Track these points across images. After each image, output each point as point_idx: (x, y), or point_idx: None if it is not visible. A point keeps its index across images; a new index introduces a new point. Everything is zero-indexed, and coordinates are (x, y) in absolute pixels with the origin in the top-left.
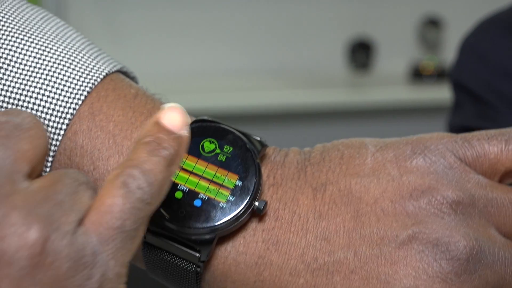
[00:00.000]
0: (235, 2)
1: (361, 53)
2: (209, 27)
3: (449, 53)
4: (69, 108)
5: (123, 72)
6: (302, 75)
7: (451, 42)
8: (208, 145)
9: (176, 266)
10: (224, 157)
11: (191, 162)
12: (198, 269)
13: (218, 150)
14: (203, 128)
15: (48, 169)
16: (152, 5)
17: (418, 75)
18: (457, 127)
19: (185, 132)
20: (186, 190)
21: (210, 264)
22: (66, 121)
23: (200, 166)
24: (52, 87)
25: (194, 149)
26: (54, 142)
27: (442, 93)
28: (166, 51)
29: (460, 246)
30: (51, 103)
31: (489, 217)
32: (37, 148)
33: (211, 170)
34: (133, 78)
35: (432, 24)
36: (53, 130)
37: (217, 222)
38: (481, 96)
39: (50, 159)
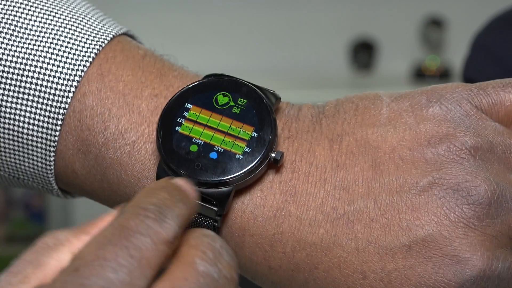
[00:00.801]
0: (237, 4)
1: (363, 53)
2: (211, 29)
3: (451, 54)
4: (77, 70)
5: (130, 36)
6: (304, 76)
7: (453, 42)
8: (222, 98)
9: (193, 222)
10: (239, 109)
11: (205, 116)
12: (216, 224)
13: (232, 103)
14: (216, 82)
15: (57, 133)
16: (148, 6)
17: (420, 75)
18: None
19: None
20: (201, 143)
21: (228, 218)
22: (75, 83)
23: (214, 119)
24: (59, 50)
25: (208, 103)
26: (63, 105)
27: None
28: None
29: (481, 190)
30: (58, 66)
31: (507, 163)
32: None
33: (226, 123)
34: (139, 43)
35: (435, 24)
36: (62, 93)
37: (234, 174)
38: None
39: (59, 122)
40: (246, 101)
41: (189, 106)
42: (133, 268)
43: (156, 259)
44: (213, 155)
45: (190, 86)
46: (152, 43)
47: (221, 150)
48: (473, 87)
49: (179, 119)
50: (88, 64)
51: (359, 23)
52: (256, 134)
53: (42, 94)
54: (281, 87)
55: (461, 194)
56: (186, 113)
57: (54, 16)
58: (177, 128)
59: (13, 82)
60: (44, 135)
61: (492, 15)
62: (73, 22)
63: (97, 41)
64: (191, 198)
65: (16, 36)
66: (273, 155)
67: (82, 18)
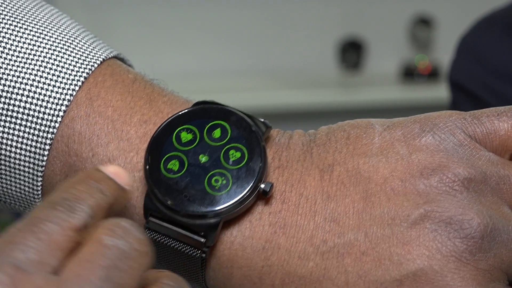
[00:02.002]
0: (225, 3)
1: (352, 52)
2: (199, 28)
3: (440, 53)
4: (66, 94)
5: (120, 59)
6: (293, 75)
7: (442, 41)
8: (211, 127)
9: (180, 253)
10: (228, 139)
11: (194, 145)
12: (204, 255)
13: (220, 133)
14: (206, 110)
15: (45, 158)
16: (142, 5)
17: (409, 74)
18: None
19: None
20: (190, 173)
21: (216, 249)
22: (63, 108)
23: (204, 148)
24: (48, 73)
25: (198, 131)
26: (51, 130)
27: (434, 93)
28: (155, 52)
29: (474, 224)
30: (47, 89)
31: (501, 194)
32: (134, 280)
33: (215, 152)
34: (129, 66)
35: (423, 23)
36: (50, 117)
37: (223, 205)
38: (479, 96)
39: (47, 147)
40: (235, 130)
41: (178, 134)
42: (42, 248)
43: (65, 243)
44: (201, 185)
45: (179, 114)
46: (145, 42)
47: (210, 180)
48: (467, 115)
49: (167, 148)
50: (77, 88)
51: (347, 23)
52: (245, 165)
53: (30, 118)
54: (269, 86)
55: (453, 227)
56: (174, 142)
57: (43, 38)
58: (165, 157)
59: (1, 105)
60: (32, 160)
61: (479, 15)
62: (63, 44)
63: (86, 65)
64: (112, 188)
65: (5, 58)
66: (262, 186)
67: (72, 40)
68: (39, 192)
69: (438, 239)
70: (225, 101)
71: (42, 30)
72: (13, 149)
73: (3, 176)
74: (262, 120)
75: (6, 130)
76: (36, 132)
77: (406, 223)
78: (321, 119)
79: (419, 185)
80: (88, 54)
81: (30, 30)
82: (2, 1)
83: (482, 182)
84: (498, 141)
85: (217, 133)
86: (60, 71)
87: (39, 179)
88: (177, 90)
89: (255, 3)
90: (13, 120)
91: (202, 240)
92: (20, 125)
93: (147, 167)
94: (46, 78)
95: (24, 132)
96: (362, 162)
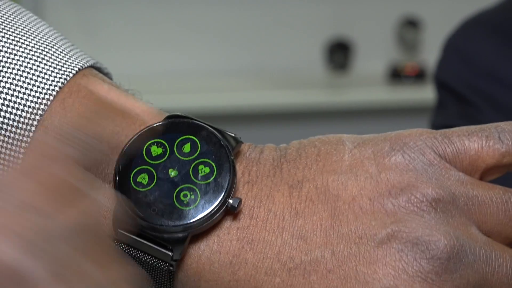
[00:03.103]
0: (213, 2)
1: (339, 53)
2: (188, 27)
3: (427, 54)
4: (41, 104)
5: (96, 68)
6: (280, 76)
7: (429, 43)
8: (181, 142)
9: (148, 265)
10: (197, 154)
11: (163, 159)
12: (171, 268)
13: (189, 148)
14: (176, 124)
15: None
16: (130, 3)
17: (396, 75)
18: (440, 126)
19: None
20: (159, 187)
21: (184, 263)
22: (38, 117)
23: (173, 163)
24: (24, 82)
25: (168, 145)
26: (25, 139)
27: (421, 94)
28: (143, 51)
29: (441, 245)
30: (22, 98)
31: (469, 215)
32: None
33: (184, 167)
34: (107, 74)
35: (411, 25)
36: (24, 127)
37: (190, 220)
38: (465, 96)
39: (21, 156)
40: (205, 145)
41: (148, 148)
42: None
43: None
44: (170, 200)
45: (150, 127)
46: (133, 41)
47: (178, 195)
48: (438, 134)
49: (137, 161)
50: (52, 98)
51: (335, 24)
52: (214, 180)
53: (5, 127)
54: (256, 87)
55: (420, 248)
56: (144, 155)
57: (20, 46)
58: (135, 170)
59: None
60: (6, 168)
61: (466, 16)
62: (40, 53)
63: (62, 74)
64: None
65: None
66: (231, 201)
67: (49, 49)
68: None
69: (405, 259)
70: (213, 100)
71: (20, 38)
72: None
73: None
74: (233, 135)
75: None
76: (11, 141)
77: (373, 242)
78: (308, 120)
79: (387, 205)
80: (64, 64)
81: (7, 38)
82: None
83: (450, 202)
84: (468, 161)
85: (187, 147)
86: (36, 80)
87: None
88: (166, 89)
89: (242, 3)
90: None
91: (170, 253)
92: None
93: (117, 179)
94: (21, 87)
95: None
96: (331, 180)
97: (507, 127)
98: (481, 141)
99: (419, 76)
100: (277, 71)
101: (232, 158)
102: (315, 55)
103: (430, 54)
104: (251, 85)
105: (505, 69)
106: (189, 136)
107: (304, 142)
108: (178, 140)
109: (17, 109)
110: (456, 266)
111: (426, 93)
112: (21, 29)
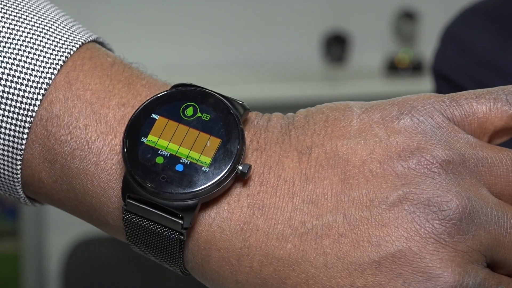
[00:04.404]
0: None
1: (336, 46)
2: (184, 22)
3: (424, 46)
4: (45, 78)
5: (99, 43)
6: (277, 69)
7: (426, 35)
8: (189, 109)
9: (158, 235)
10: (206, 120)
11: (171, 127)
12: (182, 237)
13: (199, 114)
14: (183, 92)
15: (24, 141)
16: (127, 0)
17: (393, 68)
18: None
19: None
20: (167, 155)
21: (194, 231)
22: (42, 91)
23: (181, 130)
24: (27, 57)
25: (175, 113)
26: (30, 113)
27: (418, 86)
28: (140, 46)
29: (452, 205)
30: (26, 73)
31: (480, 177)
32: None
33: (192, 135)
34: (109, 50)
35: (407, 17)
36: (29, 101)
37: (200, 186)
38: (462, 86)
39: (26, 130)
40: (213, 112)
41: (156, 117)
42: None
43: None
44: (179, 167)
45: (157, 96)
46: (130, 37)
47: (187, 162)
48: (446, 98)
49: (145, 130)
50: (56, 72)
51: (332, 16)
52: (223, 147)
53: (9, 102)
54: (253, 80)
55: (431, 209)
56: (152, 124)
57: (22, 23)
58: (142, 139)
59: None
60: (11, 143)
61: (463, 7)
62: (42, 28)
63: (65, 49)
64: None
65: None
66: (240, 167)
67: (51, 24)
68: (19, 176)
69: (417, 221)
70: None
71: (21, 14)
72: None
73: None
74: (241, 102)
75: None
76: (15, 116)
77: (384, 205)
78: None
79: (397, 167)
80: (67, 38)
81: (9, 15)
82: None
83: (460, 164)
84: (477, 123)
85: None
86: (39, 55)
87: (18, 162)
88: None
89: None
90: None
91: (180, 222)
92: None
93: (125, 149)
94: (25, 62)
95: (3, 115)
96: (340, 144)
97: None
98: (488, 103)
99: (416, 68)
100: (274, 64)
101: (241, 125)
102: (312, 48)
103: (427, 47)
104: (248, 78)
105: (503, 58)
106: (196, 104)
107: (312, 110)
108: (182, 106)
109: (21, 84)
110: (469, 226)
111: (423, 86)
112: (23, 6)
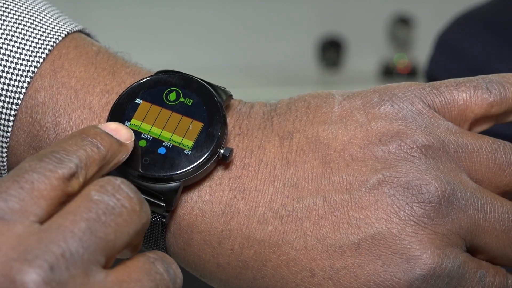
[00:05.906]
0: (204, 0)
1: (331, 51)
2: (179, 25)
3: (419, 52)
4: (30, 66)
5: (86, 34)
6: (272, 73)
7: (421, 40)
8: (172, 94)
9: None
10: (188, 105)
11: (154, 111)
12: (164, 220)
13: (182, 99)
14: (166, 78)
15: (10, 129)
16: (124, 2)
17: (389, 73)
18: None
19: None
20: (150, 138)
21: (176, 214)
22: (28, 79)
23: (164, 114)
24: (13, 46)
25: (158, 98)
26: (15, 101)
27: None
28: (138, 50)
29: (432, 188)
30: (12, 62)
31: (459, 162)
32: (120, 238)
33: (175, 119)
34: (94, 40)
35: (403, 22)
36: (15, 89)
37: (182, 169)
38: None
39: (12, 118)
40: (196, 97)
41: (139, 101)
42: (24, 197)
43: (50, 192)
44: (162, 150)
45: (140, 82)
46: (120, 38)
47: (169, 145)
48: (426, 86)
49: (129, 114)
50: (41, 60)
51: (327, 21)
52: (205, 130)
53: None
54: (249, 84)
55: (411, 192)
56: (135, 109)
57: (9, 13)
58: (126, 123)
59: None
60: None
61: (457, 13)
62: (28, 18)
63: (51, 38)
64: (107, 142)
65: None
66: (222, 151)
67: (37, 15)
68: (5, 164)
69: (396, 204)
70: None
71: (8, 4)
72: None
73: None
74: (223, 88)
75: None
76: (1, 104)
77: (364, 188)
78: None
79: (378, 152)
80: (53, 28)
81: None
82: None
83: (440, 149)
84: (457, 111)
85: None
86: (25, 44)
87: (4, 150)
88: None
89: (234, 0)
90: None
91: (162, 204)
92: None
93: None
94: (11, 51)
95: None
96: (321, 130)
97: (495, 78)
98: (469, 91)
99: (411, 73)
100: (269, 69)
101: (223, 111)
102: (307, 52)
103: (422, 52)
104: (243, 82)
105: (496, 65)
106: (179, 89)
107: (294, 98)
108: (166, 91)
109: (7, 72)
110: (448, 210)
111: None
112: None
